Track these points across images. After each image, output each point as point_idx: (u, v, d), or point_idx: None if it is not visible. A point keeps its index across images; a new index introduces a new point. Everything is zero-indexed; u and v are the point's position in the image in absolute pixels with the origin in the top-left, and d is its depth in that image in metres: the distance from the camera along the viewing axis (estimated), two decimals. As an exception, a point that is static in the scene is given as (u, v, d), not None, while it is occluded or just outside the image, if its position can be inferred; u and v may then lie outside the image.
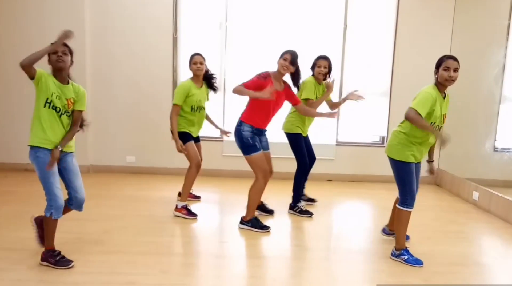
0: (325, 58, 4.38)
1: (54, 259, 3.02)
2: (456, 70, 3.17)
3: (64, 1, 5.67)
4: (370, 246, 3.68)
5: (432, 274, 3.14)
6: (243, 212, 4.11)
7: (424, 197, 5.46)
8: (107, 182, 5.45)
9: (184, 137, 4.22)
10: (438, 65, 3.22)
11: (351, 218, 4.54)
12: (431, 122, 3.21)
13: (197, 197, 4.82)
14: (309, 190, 4.86)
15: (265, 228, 3.92)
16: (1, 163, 5.90)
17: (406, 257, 3.32)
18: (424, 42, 5.83)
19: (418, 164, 3.43)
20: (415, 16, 5.88)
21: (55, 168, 2.97)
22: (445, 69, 3.17)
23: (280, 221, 4.29)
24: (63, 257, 3.05)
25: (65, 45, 2.99)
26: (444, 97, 3.31)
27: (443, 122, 3.31)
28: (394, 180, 3.42)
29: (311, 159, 4.63)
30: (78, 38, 5.74)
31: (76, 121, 3.11)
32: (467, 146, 5.57)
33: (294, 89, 4.13)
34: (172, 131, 4.18)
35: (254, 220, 3.96)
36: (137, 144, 5.96)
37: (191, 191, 4.59)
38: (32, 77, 2.87)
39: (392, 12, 5.92)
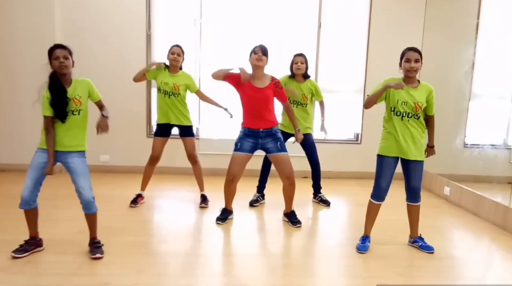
0: (300, 55, 4.53)
1: (21, 244, 3.14)
2: (417, 61, 3.30)
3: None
4: (345, 242, 3.72)
5: (404, 267, 3.21)
6: (218, 211, 4.14)
7: (396, 192, 5.51)
8: (97, 183, 5.32)
9: (156, 129, 4.48)
10: (401, 57, 3.36)
11: (327, 215, 4.59)
12: (392, 107, 3.34)
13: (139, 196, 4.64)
14: (306, 186, 4.90)
15: (219, 220, 4.04)
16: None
17: (359, 243, 3.53)
18: (397, 40, 5.92)
19: (412, 163, 3.44)
20: (388, 14, 5.97)
21: (38, 162, 3.03)
22: (407, 61, 3.31)
23: (258, 219, 4.30)
24: (22, 246, 3.11)
25: (64, 47, 3.03)
26: (416, 87, 3.37)
27: (416, 110, 3.33)
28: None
29: (313, 164, 4.79)
30: (48, 33, 5.66)
31: (102, 109, 3.22)
32: (439, 142, 5.66)
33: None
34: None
35: (223, 210, 4.10)
36: (111, 142, 5.85)
37: (141, 192, 4.59)
38: None
39: (365, 10, 6.00)
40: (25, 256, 3.09)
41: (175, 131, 4.50)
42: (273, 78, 3.93)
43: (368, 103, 3.38)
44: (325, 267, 3.26)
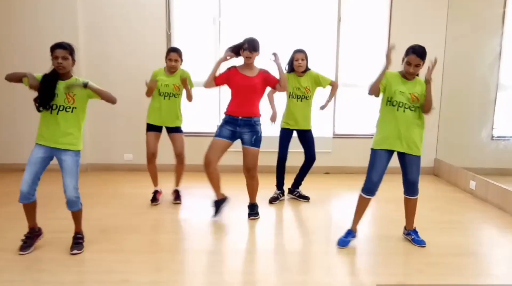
0: (300, 51, 4.49)
1: (24, 240, 3.25)
2: (417, 65, 3.24)
3: (58, 0, 5.67)
4: (368, 239, 3.68)
5: (426, 265, 3.15)
6: (238, 207, 4.16)
7: (421, 187, 5.39)
8: (104, 181, 5.47)
9: (147, 127, 4.45)
10: (406, 54, 3.30)
11: (349, 211, 4.53)
12: (389, 97, 3.32)
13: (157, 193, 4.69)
14: (306, 182, 4.84)
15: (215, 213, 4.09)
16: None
17: (341, 236, 3.48)
18: (419, 32, 5.77)
19: (407, 156, 3.39)
20: (410, 5, 5.84)
21: (35, 158, 3.11)
22: (408, 64, 3.26)
23: (275, 215, 4.31)
24: (25, 242, 3.21)
25: (65, 47, 3.10)
26: (412, 79, 3.34)
27: (412, 101, 3.28)
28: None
29: (309, 158, 4.68)
30: (72, 36, 5.80)
31: (97, 91, 3.22)
32: (464, 135, 5.55)
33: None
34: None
35: (214, 202, 4.12)
36: (135, 141, 5.95)
37: (157, 188, 4.62)
38: None
39: (386, 1, 5.88)
40: (32, 251, 3.21)
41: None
42: (262, 69, 3.99)
43: (372, 89, 3.35)
44: (345, 264, 3.23)
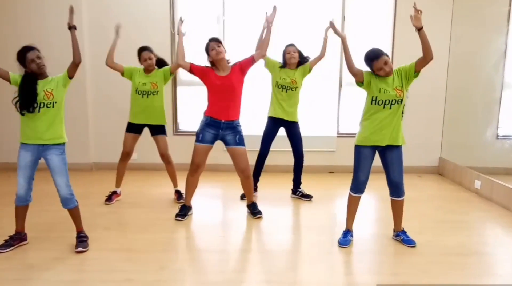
0: (291, 45, 4.55)
1: (6, 239, 3.27)
2: (386, 63, 3.22)
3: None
4: (371, 238, 3.69)
5: (430, 264, 3.14)
6: (241, 207, 4.15)
7: (426, 186, 5.45)
8: (109, 180, 5.45)
9: (127, 126, 4.51)
10: (369, 63, 3.29)
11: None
12: (373, 96, 3.27)
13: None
14: (310, 181, 4.85)
15: (178, 216, 4.02)
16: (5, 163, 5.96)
17: (340, 237, 3.50)
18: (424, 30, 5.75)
19: (389, 152, 3.38)
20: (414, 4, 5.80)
21: (25, 162, 3.15)
22: (379, 69, 3.24)
23: (278, 214, 4.31)
24: (7, 241, 3.25)
25: (35, 48, 3.18)
26: (390, 75, 3.30)
27: (398, 95, 3.24)
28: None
29: (297, 157, 4.68)
30: (77, 35, 5.83)
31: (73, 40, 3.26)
32: (469, 134, 5.53)
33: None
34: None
35: (182, 206, 4.13)
36: (139, 140, 5.93)
37: (116, 190, 4.60)
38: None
39: (391, 1, 5.86)
40: (9, 250, 3.22)
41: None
42: (232, 65, 4.00)
43: (350, 67, 3.33)
44: (348, 264, 3.23)
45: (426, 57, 3.23)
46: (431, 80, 5.65)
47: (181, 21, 4.08)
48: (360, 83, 3.35)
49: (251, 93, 5.09)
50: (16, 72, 3.21)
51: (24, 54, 3.12)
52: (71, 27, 3.24)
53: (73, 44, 3.22)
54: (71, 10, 3.27)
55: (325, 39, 4.54)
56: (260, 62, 4.24)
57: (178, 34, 4.05)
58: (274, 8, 3.95)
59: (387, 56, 3.28)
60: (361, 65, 3.36)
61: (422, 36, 3.22)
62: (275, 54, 4.60)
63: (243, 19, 5.87)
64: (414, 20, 3.24)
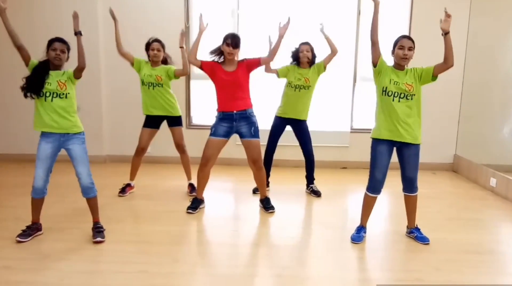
0: (306, 43, 4.54)
1: (24, 229, 3.32)
2: (410, 48, 3.24)
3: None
4: (384, 235, 3.68)
5: (443, 262, 3.12)
6: (253, 201, 4.16)
7: (440, 184, 5.40)
8: (122, 172, 5.50)
9: (145, 120, 4.54)
10: (394, 44, 3.31)
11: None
12: (384, 87, 3.28)
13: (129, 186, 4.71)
14: (324, 177, 4.84)
15: (190, 209, 4.04)
16: (21, 154, 6.03)
17: (353, 233, 3.49)
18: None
19: (406, 148, 3.35)
20: (431, -1, 5.73)
21: (45, 154, 3.19)
22: (400, 48, 3.25)
23: (290, 209, 4.31)
24: (25, 231, 3.30)
25: (64, 42, 3.22)
26: (403, 70, 3.33)
27: (407, 90, 3.24)
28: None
29: (307, 156, 4.68)
30: (92, 29, 5.88)
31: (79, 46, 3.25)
32: (485, 131, 5.45)
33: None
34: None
35: (194, 200, 4.15)
36: (153, 133, 6.00)
37: (130, 182, 4.66)
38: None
39: (407, -5, 5.79)
40: (29, 240, 3.27)
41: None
42: (240, 60, 3.99)
43: (373, 35, 3.32)
44: (360, 260, 3.23)
45: (447, 63, 3.20)
46: (447, 75, 5.44)
47: (202, 16, 4.07)
48: (374, 64, 3.35)
49: (259, 87, 5.06)
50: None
51: (52, 42, 3.20)
52: (77, 33, 3.24)
53: (79, 50, 3.23)
54: (75, 16, 3.28)
55: (327, 38, 4.53)
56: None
57: (199, 29, 4.03)
58: (288, 19, 3.91)
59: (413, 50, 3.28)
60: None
61: (447, 40, 3.18)
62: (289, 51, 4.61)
63: (257, 13, 5.85)
64: (444, 23, 3.20)
